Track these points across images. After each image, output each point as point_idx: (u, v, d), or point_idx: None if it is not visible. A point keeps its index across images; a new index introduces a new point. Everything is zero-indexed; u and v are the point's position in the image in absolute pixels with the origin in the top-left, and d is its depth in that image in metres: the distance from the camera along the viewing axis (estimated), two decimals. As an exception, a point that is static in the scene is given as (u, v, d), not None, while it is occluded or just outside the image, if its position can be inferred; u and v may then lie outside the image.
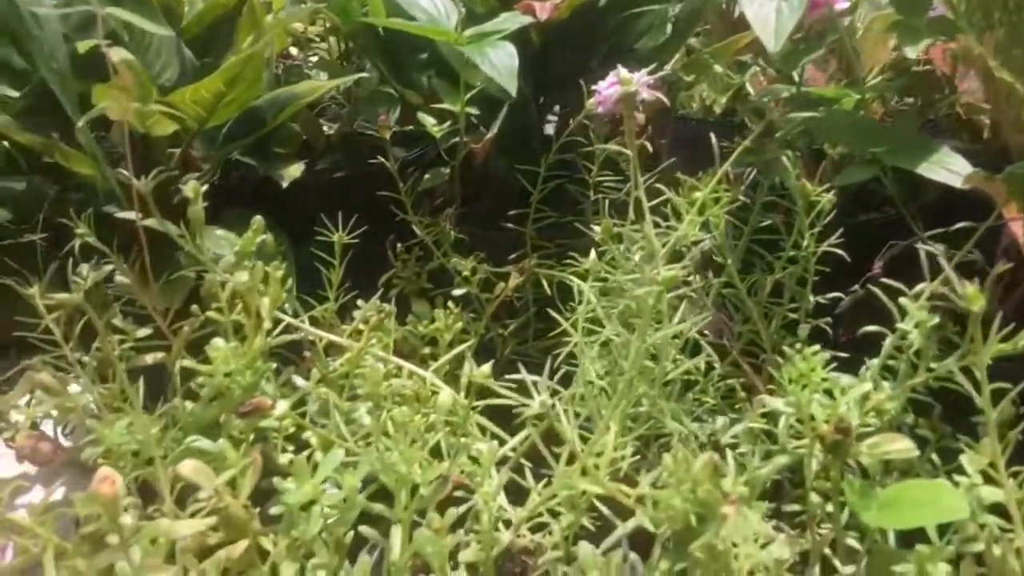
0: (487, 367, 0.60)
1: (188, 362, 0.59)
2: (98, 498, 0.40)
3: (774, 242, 0.77)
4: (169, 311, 0.76)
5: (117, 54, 0.64)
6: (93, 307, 0.66)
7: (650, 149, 0.61)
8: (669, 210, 0.70)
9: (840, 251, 0.72)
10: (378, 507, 0.51)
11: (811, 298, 0.73)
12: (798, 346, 0.55)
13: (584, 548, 0.52)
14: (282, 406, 0.55)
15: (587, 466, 0.45)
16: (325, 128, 1.24)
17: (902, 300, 0.59)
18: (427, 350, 0.81)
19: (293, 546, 0.49)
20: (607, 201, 0.78)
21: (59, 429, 0.74)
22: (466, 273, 0.89)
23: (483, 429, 0.65)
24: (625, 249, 0.69)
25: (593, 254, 0.68)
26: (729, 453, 0.51)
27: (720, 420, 0.57)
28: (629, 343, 0.54)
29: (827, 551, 0.58)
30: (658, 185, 0.69)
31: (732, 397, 0.73)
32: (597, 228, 0.70)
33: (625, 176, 0.87)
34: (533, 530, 0.62)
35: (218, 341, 0.61)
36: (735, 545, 0.47)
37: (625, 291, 0.68)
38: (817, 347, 0.55)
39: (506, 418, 0.65)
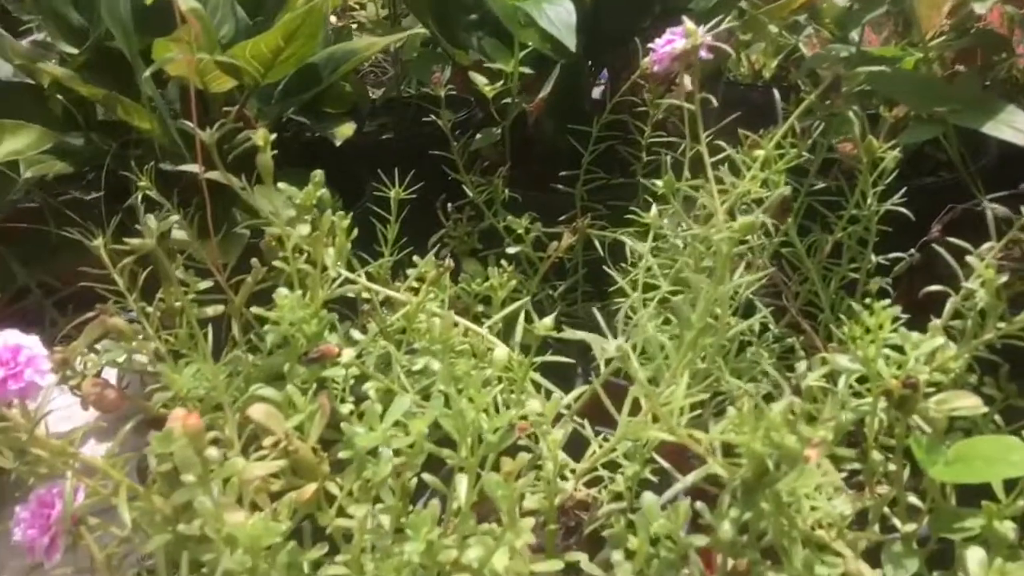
0: (549, 319, 0.60)
1: (256, 310, 0.60)
2: (185, 430, 0.41)
3: (830, 203, 0.76)
4: (227, 266, 0.77)
5: (186, 3, 0.64)
6: (157, 259, 0.67)
7: (714, 102, 0.61)
8: (726, 169, 0.69)
9: (903, 210, 0.71)
10: (446, 452, 0.52)
11: (872, 258, 0.72)
12: (867, 301, 0.55)
13: (648, 496, 0.52)
14: (349, 352, 0.56)
15: (659, 412, 0.45)
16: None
17: (968, 259, 0.58)
18: (480, 308, 0.82)
19: (364, 488, 0.50)
20: (660, 161, 0.78)
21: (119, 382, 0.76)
22: (520, 232, 0.89)
23: (537, 386, 0.65)
24: (684, 205, 0.69)
25: (654, 209, 0.67)
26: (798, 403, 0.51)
27: (802, 364, 0.57)
28: (696, 297, 0.54)
29: (886, 510, 0.58)
30: (717, 142, 0.68)
31: (789, 357, 0.73)
32: (656, 183, 0.70)
33: (674, 139, 0.86)
34: (587, 485, 0.62)
35: (283, 290, 0.62)
36: (806, 496, 0.47)
37: (685, 248, 0.67)
38: (887, 301, 0.54)
39: (560, 376, 0.65)
